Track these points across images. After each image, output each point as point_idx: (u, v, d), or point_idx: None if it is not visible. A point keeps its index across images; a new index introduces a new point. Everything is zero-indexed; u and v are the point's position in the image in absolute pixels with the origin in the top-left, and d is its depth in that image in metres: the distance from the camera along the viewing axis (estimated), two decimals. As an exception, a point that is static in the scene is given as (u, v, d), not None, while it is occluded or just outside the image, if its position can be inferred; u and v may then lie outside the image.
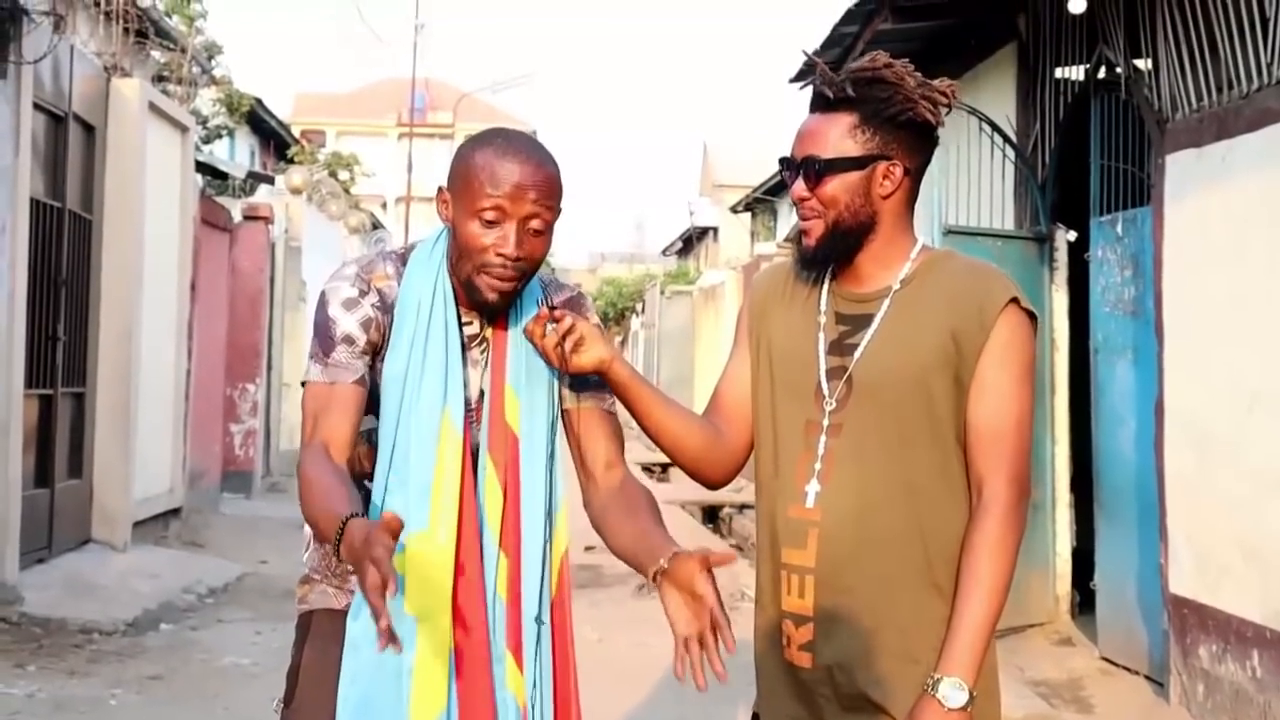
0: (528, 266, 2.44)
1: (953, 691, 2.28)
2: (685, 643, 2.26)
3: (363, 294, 2.48)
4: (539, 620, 2.47)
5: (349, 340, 2.45)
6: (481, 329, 2.53)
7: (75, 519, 9.59)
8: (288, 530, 12.93)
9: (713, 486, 2.62)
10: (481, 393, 2.50)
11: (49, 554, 9.01)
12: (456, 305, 2.49)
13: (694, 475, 2.58)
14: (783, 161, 2.49)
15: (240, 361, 15.40)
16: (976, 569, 2.32)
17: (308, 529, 2.58)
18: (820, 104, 2.45)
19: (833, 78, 2.42)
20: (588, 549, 10.98)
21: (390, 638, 2.01)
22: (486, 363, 2.53)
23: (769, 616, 2.48)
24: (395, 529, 2.04)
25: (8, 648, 7.19)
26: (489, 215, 2.39)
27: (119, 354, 10.06)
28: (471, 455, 2.47)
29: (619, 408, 2.62)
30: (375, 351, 2.47)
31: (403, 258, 2.55)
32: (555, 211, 2.44)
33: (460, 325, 2.50)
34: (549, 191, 2.42)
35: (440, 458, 2.42)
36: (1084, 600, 8.42)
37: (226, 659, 7.38)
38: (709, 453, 2.54)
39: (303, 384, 2.48)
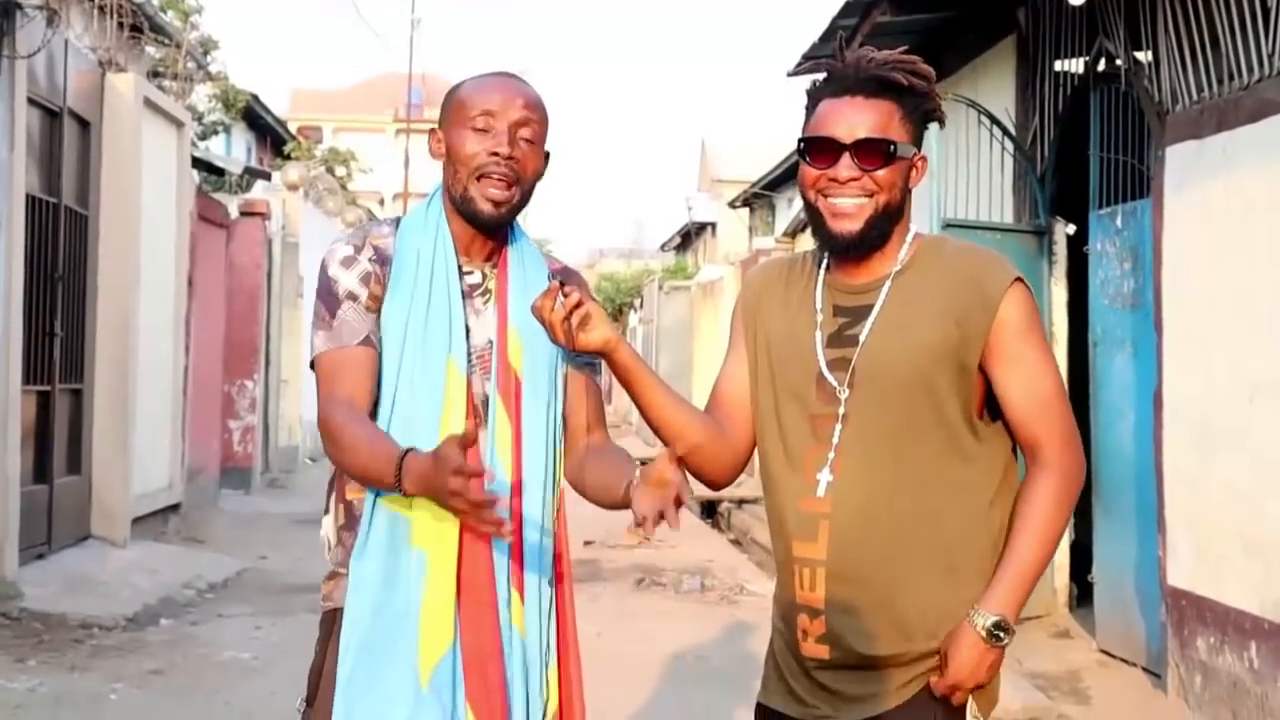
0: (521, 172, 2.50)
1: (995, 629, 2.32)
2: (642, 517, 2.27)
3: (358, 249, 2.53)
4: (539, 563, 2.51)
5: (352, 296, 2.49)
6: (484, 279, 2.56)
7: (74, 515, 9.58)
8: (287, 526, 12.94)
9: (714, 487, 2.61)
10: (490, 341, 2.53)
11: (48, 550, 9.01)
12: (456, 255, 2.54)
13: (696, 472, 2.55)
14: (815, 141, 2.44)
15: (238, 358, 15.39)
16: (1033, 517, 2.37)
17: (326, 530, 2.61)
18: (859, 88, 2.42)
19: (891, 60, 2.42)
20: (586, 544, 11.02)
21: (496, 522, 2.18)
22: (492, 312, 2.55)
23: (783, 610, 2.48)
24: (464, 442, 2.15)
25: (8, 643, 7.19)
26: (479, 123, 2.48)
27: (116, 350, 10.05)
28: (482, 403, 2.51)
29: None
30: (378, 306, 2.50)
31: (398, 221, 2.61)
32: (543, 125, 2.54)
33: (462, 273, 2.54)
34: (535, 104, 2.53)
35: (446, 400, 2.46)
36: (1082, 593, 8.42)
37: (226, 654, 7.38)
38: (713, 449, 2.53)
39: (311, 364, 2.51)
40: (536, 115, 2.51)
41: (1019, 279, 2.41)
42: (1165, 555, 6.73)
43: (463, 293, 2.52)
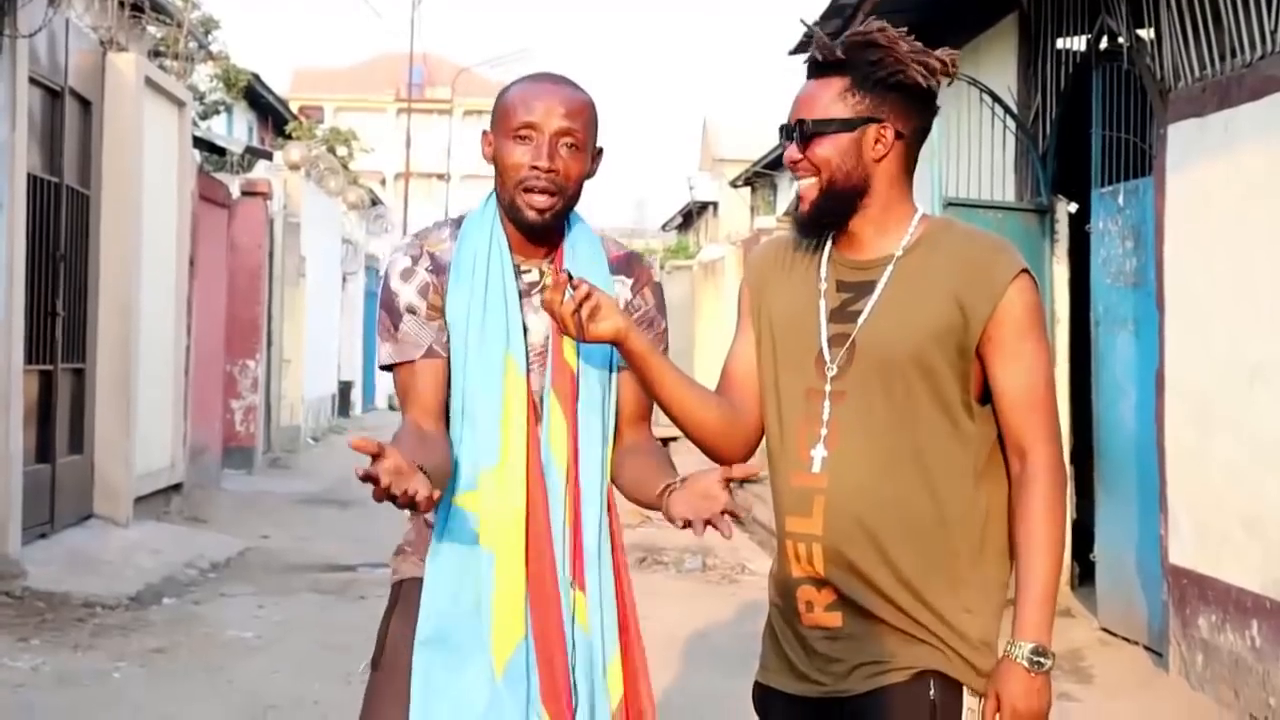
0: (563, 181, 2.54)
1: (1036, 656, 2.36)
2: (689, 518, 2.33)
3: (415, 260, 2.61)
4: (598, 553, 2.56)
5: (411, 310, 2.59)
6: (541, 276, 2.59)
7: (77, 494, 9.60)
8: (289, 505, 12.97)
9: (726, 464, 2.61)
10: (546, 338, 2.58)
11: (51, 529, 9.02)
12: (512, 253, 2.60)
13: (712, 454, 2.56)
14: (781, 129, 2.50)
15: (240, 337, 15.40)
16: (1036, 533, 2.38)
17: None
18: (815, 69, 2.47)
19: (825, 41, 2.45)
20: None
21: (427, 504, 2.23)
22: None
23: (782, 585, 2.49)
24: (371, 450, 2.20)
25: (11, 622, 7.21)
26: (522, 133, 2.53)
27: (118, 329, 10.05)
28: (537, 398, 2.56)
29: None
30: (439, 314, 2.58)
31: (458, 222, 2.67)
32: (588, 132, 2.58)
33: (518, 272, 2.60)
34: (578, 111, 2.56)
35: (506, 397, 2.53)
36: (1084, 572, 8.43)
37: (229, 632, 7.40)
38: (728, 431, 2.53)
39: (383, 367, 2.62)
40: (579, 121, 2.56)
41: (1025, 270, 2.40)
42: (1167, 534, 6.73)
43: (520, 291, 2.59)
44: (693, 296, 24.27)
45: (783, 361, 2.50)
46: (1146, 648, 7.13)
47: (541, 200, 2.53)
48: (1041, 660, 2.36)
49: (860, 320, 2.43)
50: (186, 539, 10.24)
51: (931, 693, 2.36)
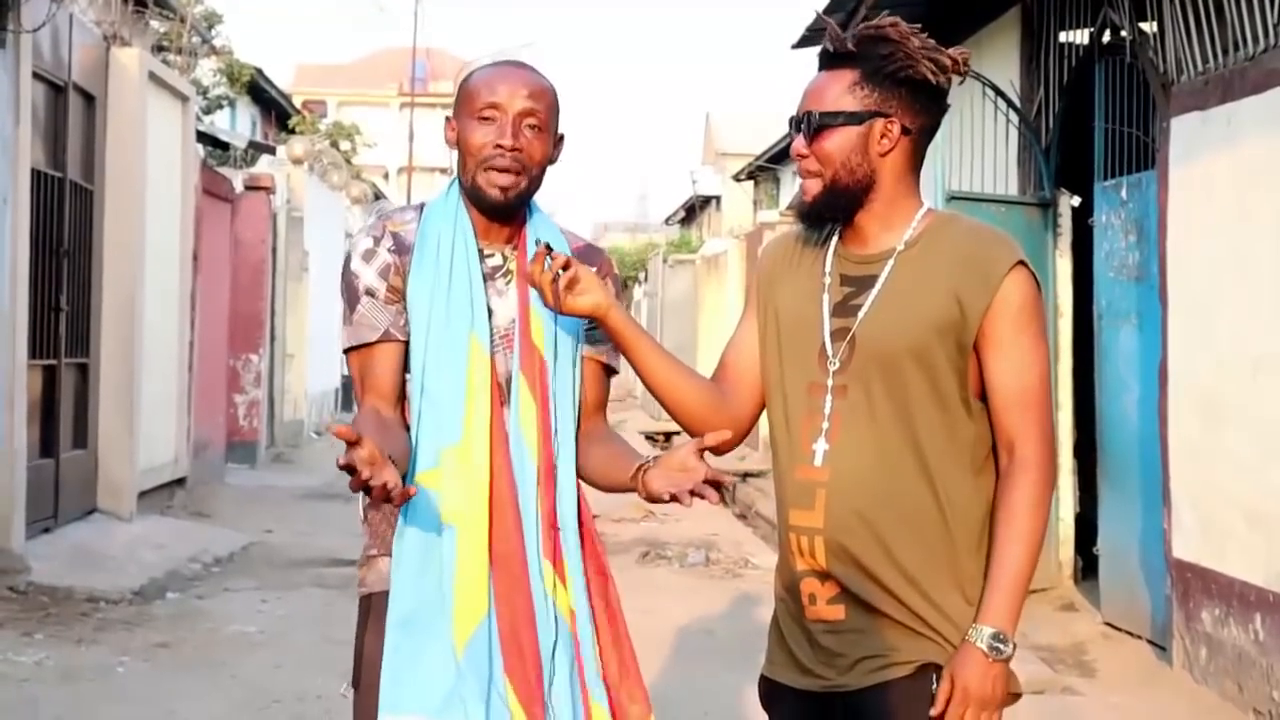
0: (526, 160, 2.57)
1: (996, 642, 2.33)
2: (666, 492, 2.37)
3: (377, 240, 2.62)
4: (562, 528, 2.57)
5: (370, 293, 2.59)
6: (505, 261, 2.63)
7: (80, 489, 9.61)
8: (292, 500, 12.98)
9: (716, 451, 2.62)
10: (512, 321, 2.59)
11: (55, 524, 9.03)
12: (475, 237, 2.61)
13: (696, 435, 2.57)
14: (790, 120, 2.50)
15: (243, 332, 15.40)
16: (1015, 522, 2.37)
17: (361, 509, 2.73)
18: (825, 61, 2.47)
19: (837, 33, 2.44)
20: (593, 517, 11.05)
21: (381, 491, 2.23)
22: (514, 292, 2.62)
23: (786, 579, 2.49)
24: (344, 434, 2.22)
25: (16, 616, 7.21)
26: (485, 113, 2.56)
27: (122, 324, 10.06)
28: (505, 381, 2.57)
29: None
30: (399, 296, 2.59)
31: (421, 206, 2.69)
32: (550, 115, 2.61)
33: (482, 256, 2.61)
34: (541, 93, 2.60)
35: (470, 375, 2.54)
36: (1087, 565, 8.43)
37: (233, 627, 7.41)
38: (712, 414, 2.54)
39: (343, 351, 2.63)
40: (542, 103, 2.59)
41: (1022, 262, 2.40)
42: (1170, 528, 6.73)
43: (484, 275, 2.60)
44: (695, 291, 24.27)
45: (787, 355, 2.50)
46: (1150, 642, 7.13)
47: (504, 179, 2.55)
48: (1000, 647, 2.33)
49: (861, 314, 2.43)
50: (190, 534, 10.25)
51: (934, 686, 2.36)
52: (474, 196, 2.59)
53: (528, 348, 2.58)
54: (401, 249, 2.61)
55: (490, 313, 2.59)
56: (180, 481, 11.71)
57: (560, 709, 2.49)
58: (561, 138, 2.66)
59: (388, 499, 2.26)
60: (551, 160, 2.64)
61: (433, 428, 2.53)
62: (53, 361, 9.14)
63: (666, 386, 2.54)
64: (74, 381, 9.62)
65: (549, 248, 2.46)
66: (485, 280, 2.60)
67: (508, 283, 2.63)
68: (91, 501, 9.80)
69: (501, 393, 2.57)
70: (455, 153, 2.63)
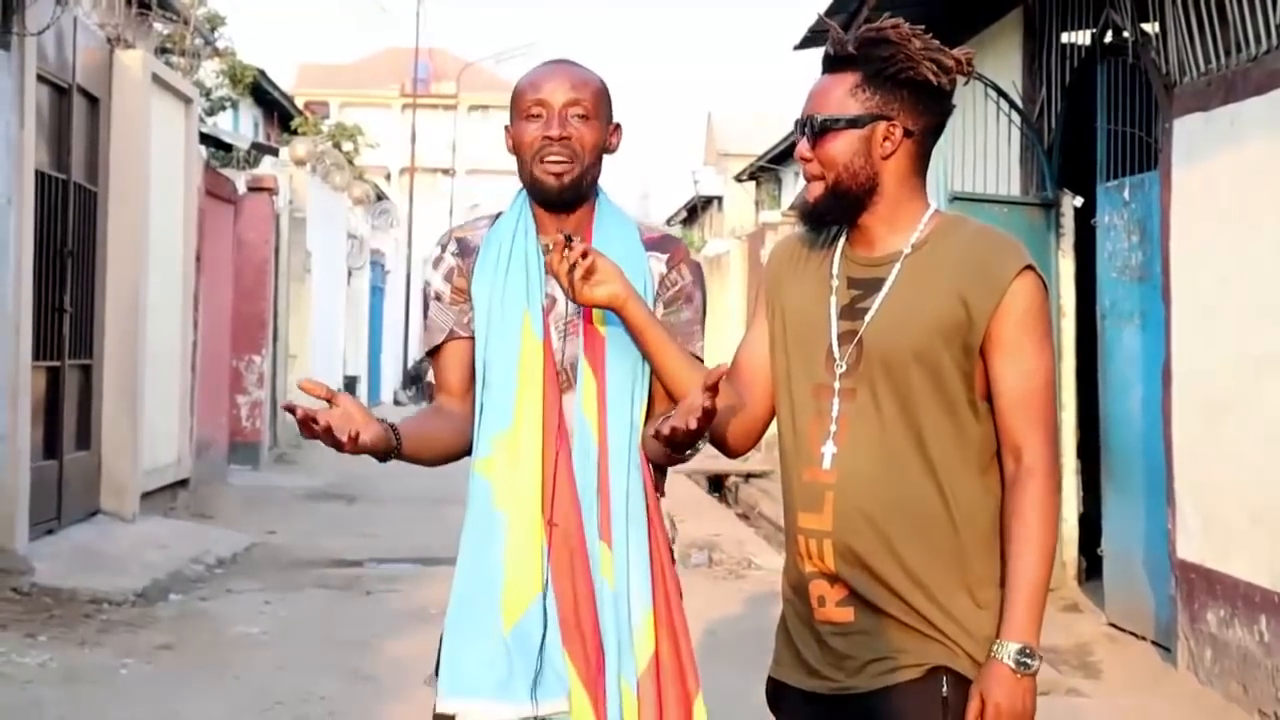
0: (577, 147, 2.63)
1: (1022, 657, 2.32)
2: (670, 426, 2.39)
3: (444, 248, 2.78)
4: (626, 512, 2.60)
5: (438, 296, 2.75)
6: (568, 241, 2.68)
7: (84, 490, 9.61)
8: (295, 501, 12.98)
9: (732, 453, 2.62)
10: (578, 307, 2.63)
11: (58, 525, 9.03)
12: (540, 233, 2.69)
13: (712, 439, 2.57)
14: (795, 122, 2.50)
15: (246, 333, 15.41)
16: (1028, 531, 2.36)
17: None
18: (827, 64, 2.47)
19: (839, 36, 2.44)
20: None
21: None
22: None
23: (794, 580, 2.49)
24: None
25: (19, 618, 7.22)
26: (533, 111, 2.65)
27: (125, 325, 10.06)
28: (571, 365, 2.64)
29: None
30: (464, 296, 2.71)
31: (497, 215, 2.79)
32: (597, 104, 2.67)
33: (544, 250, 2.66)
34: (584, 83, 2.67)
35: (522, 360, 2.61)
36: (1091, 566, 8.43)
37: (236, 628, 7.41)
38: (726, 415, 2.53)
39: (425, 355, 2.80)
40: (586, 93, 2.66)
41: (1030, 267, 2.39)
42: (1174, 528, 6.73)
43: (546, 265, 2.64)
44: (698, 291, 24.23)
45: (795, 357, 2.50)
46: (1154, 643, 7.13)
47: (557, 166, 2.62)
48: (1028, 661, 2.33)
49: (868, 317, 2.43)
50: (193, 535, 10.25)
51: (944, 690, 2.35)
52: (533, 191, 2.67)
53: (591, 332, 2.63)
54: (465, 251, 2.73)
55: (554, 300, 2.64)
56: (183, 482, 11.72)
57: (611, 689, 2.54)
58: (618, 126, 2.74)
59: (337, 445, 2.43)
60: (609, 149, 2.70)
61: (490, 417, 2.62)
62: (56, 362, 9.14)
63: (680, 384, 2.54)
64: (77, 382, 9.63)
65: (569, 238, 2.50)
66: (549, 272, 2.63)
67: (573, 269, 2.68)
68: (95, 502, 9.80)
69: (566, 378, 2.63)
70: (516, 159, 2.70)
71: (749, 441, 2.60)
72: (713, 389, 2.32)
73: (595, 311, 2.61)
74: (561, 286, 2.53)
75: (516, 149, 2.68)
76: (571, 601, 2.55)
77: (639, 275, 2.64)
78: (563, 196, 2.65)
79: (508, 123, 2.73)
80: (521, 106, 2.67)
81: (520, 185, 2.73)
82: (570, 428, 2.61)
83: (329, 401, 2.44)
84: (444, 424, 2.70)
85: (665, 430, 2.37)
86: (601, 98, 2.69)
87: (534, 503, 2.57)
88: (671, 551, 2.71)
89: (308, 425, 2.42)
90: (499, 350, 2.63)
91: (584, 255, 2.48)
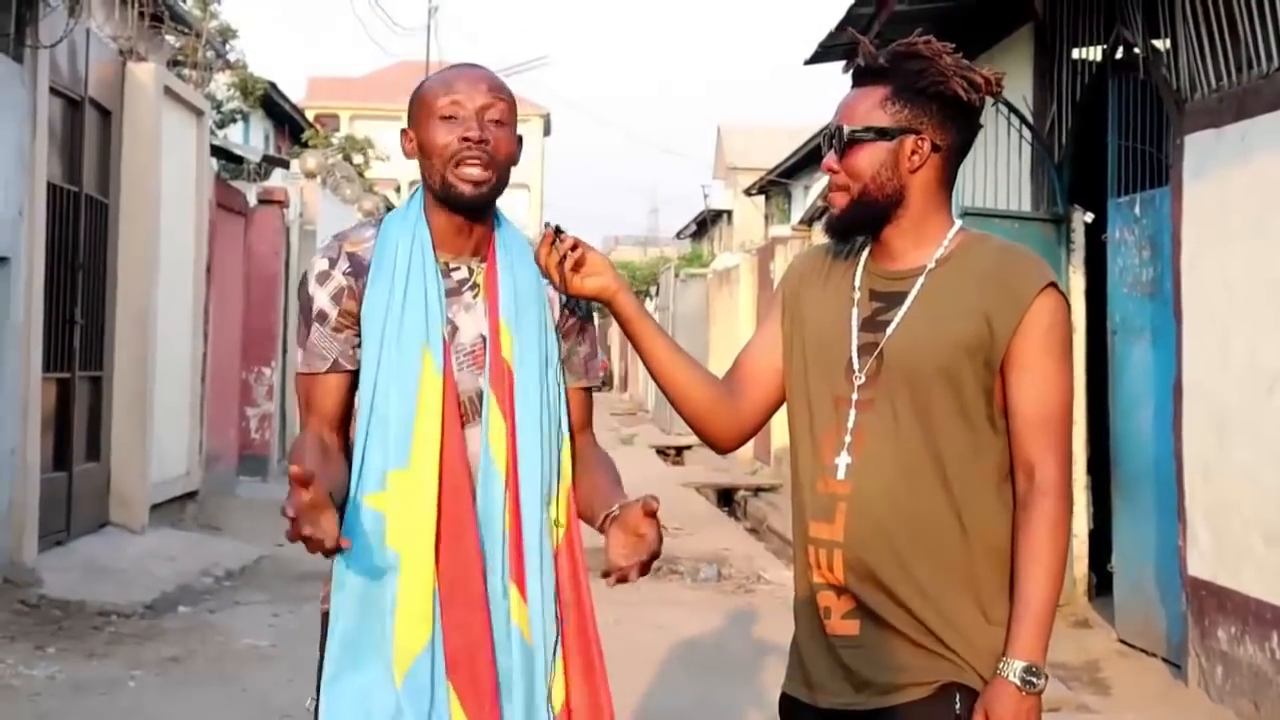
0: (495, 154, 2.50)
1: (1028, 675, 2.31)
2: (616, 568, 2.36)
3: (333, 263, 2.54)
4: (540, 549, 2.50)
5: (322, 317, 2.52)
6: (472, 274, 2.56)
7: (93, 502, 9.62)
8: (304, 513, 12.96)
9: (718, 447, 2.62)
10: (481, 337, 2.53)
11: (67, 537, 9.05)
12: (439, 250, 2.54)
13: (699, 430, 2.58)
14: (822, 134, 2.52)
15: (256, 345, 15.41)
16: (1037, 551, 2.36)
17: None
18: (858, 77, 2.47)
19: (870, 49, 2.45)
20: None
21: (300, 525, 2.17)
22: (482, 306, 2.54)
23: (805, 593, 2.48)
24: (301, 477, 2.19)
25: (28, 629, 7.22)
26: (447, 111, 2.50)
27: (136, 338, 10.08)
28: (476, 396, 2.51)
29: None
30: (351, 320, 2.52)
31: (381, 221, 2.61)
32: (510, 108, 2.55)
33: (448, 270, 2.54)
34: (499, 88, 2.55)
35: (422, 396, 2.46)
36: (1101, 582, 8.40)
37: (244, 641, 7.41)
38: (716, 408, 2.54)
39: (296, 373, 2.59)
40: (502, 98, 2.53)
41: (1053, 284, 2.40)
42: (1185, 545, 6.71)
43: (447, 289, 2.53)
44: (707, 305, 24.28)
45: (813, 367, 2.50)
46: (1165, 659, 7.10)
47: (476, 172, 2.47)
48: (1033, 680, 2.31)
49: (889, 330, 2.43)
50: (201, 547, 10.26)
51: (958, 707, 2.34)
52: (445, 197, 2.50)
53: (498, 363, 2.50)
54: (358, 271, 2.52)
55: (456, 329, 2.51)
56: (192, 494, 11.73)
57: None
58: (520, 139, 2.58)
59: (324, 552, 2.22)
60: (514, 160, 2.55)
61: (380, 450, 2.44)
62: (67, 374, 9.16)
63: (671, 377, 2.54)
64: (88, 394, 9.64)
65: (558, 229, 2.43)
66: (450, 295, 2.52)
67: (475, 296, 2.54)
68: (104, 514, 9.81)
69: (467, 411, 2.49)
70: (418, 163, 2.56)
71: (736, 439, 2.59)
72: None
73: (503, 341, 2.50)
74: (550, 279, 2.47)
75: (425, 153, 2.51)
76: (465, 644, 2.42)
77: (537, 301, 2.55)
78: (478, 205, 2.51)
79: (405, 125, 2.57)
80: (433, 109, 2.50)
81: (413, 192, 2.61)
82: (474, 465, 2.47)
83: (305, 485, 2.18)
84: (340, 467, 2.48)
85: (610, 584, 2.35)
86: (513, 108, 2.55)
87: (428, 546, 2.42)
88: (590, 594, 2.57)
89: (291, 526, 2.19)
90: (394, 384, 2.45)
91: (573, 248, 2.43)
